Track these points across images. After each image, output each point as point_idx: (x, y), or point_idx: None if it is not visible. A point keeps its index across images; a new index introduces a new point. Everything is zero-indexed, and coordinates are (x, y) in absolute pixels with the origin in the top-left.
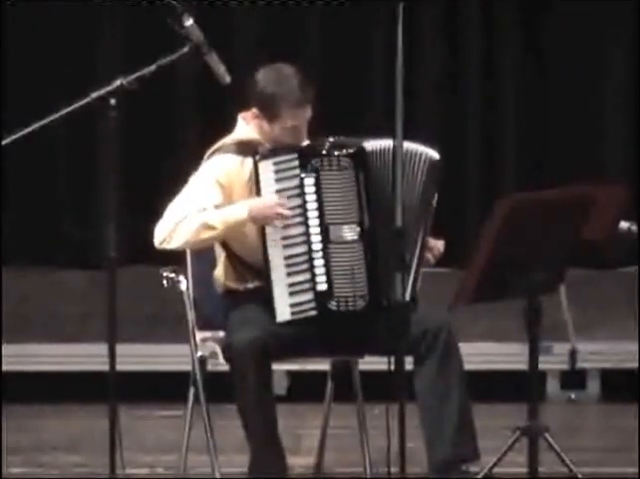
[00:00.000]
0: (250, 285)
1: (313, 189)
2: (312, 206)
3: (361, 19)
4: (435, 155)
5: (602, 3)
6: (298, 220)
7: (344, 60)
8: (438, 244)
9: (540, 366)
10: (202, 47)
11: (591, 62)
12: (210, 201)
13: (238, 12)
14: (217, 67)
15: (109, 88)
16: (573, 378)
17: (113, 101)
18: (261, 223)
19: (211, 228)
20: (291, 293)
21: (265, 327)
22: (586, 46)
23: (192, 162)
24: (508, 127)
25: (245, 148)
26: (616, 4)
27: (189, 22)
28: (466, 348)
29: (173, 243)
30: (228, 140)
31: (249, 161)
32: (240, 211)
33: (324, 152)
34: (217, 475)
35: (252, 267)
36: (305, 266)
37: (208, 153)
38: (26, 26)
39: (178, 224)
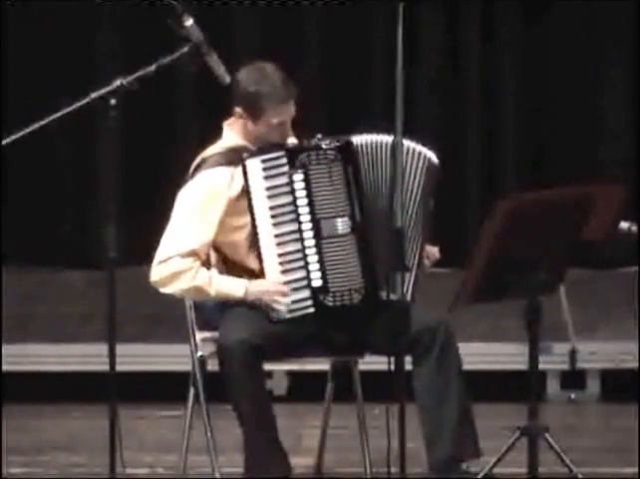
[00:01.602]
0: None
1: (302, 184)
2: (302, 202)
3: (361, 19)
4: (433, 157)
5: (603, 3)
6: (290, 217)
7: (344, 60)
8: (433, 251)
9: (540, 366)
10: (202, 47)
11: (592, 62)
12: (207, 234)
13: (238, 12)
14: (217, 67)
15: (109, 88)
16: (573, 378)
17: (113, 101)
18: (255, 300)
19: (202, 292)
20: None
21: (257, 328)
22: (587, 46)
23: (192, 162)
24: (508, 126)
25: (232, 156)
26: (616, 4)
27: (189, 22)
28: (466, 348)
29: (166, 290)
30: (215, 149)
31: (239, 176)
32: (238, 288)
33: (311, 147)
34: (217, 475)
35: (247, 270)
36: (300, 264)
37: (194, 165)
38: (26, 26)
39: (176, 274)
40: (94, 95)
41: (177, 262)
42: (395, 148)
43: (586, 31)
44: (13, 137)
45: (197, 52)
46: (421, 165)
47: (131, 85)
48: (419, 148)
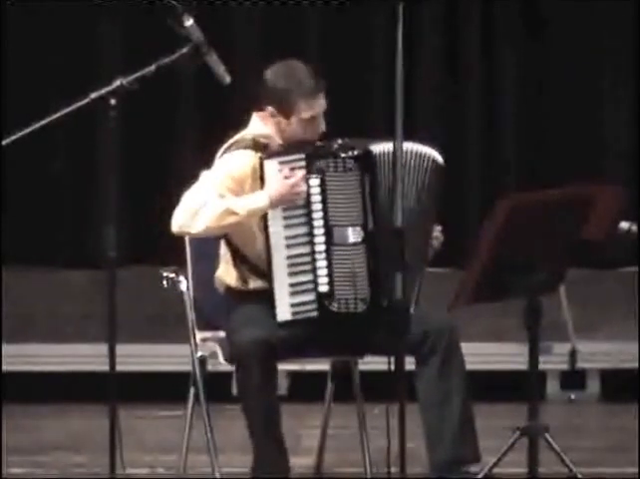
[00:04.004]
0: (253, 286)
1: (318, 189)
2: (316, 207)
3: (361, 19)
4: (438, 157)
5: (603, 3)
6: (302, 220)
7: (344, 60)
8: (437, 233)
9: (540, 366)
10: (202, 47)
11: (593, 61)
12: (226, 191)
13: (238, 12)
14: (217, 67)
15: (109, 88)
16: (573, 378)
17: (113, 101)
18: (282, 205)
19: (234, 213)
20: (292, 293)
21: (269, 328)
22: (587, 46)
23: (192, 161)
24: (509, 127)
25: (260, 144)
26: (616, 4)
27: (189, 22)
28: (466, 348)
29: (194, 228)
30: (244, 136)
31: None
32: (262, 199)
33: (331, 154)
34: (217, 475)
35: (256, 267)
36: (307, 267)
37: (224, 147)
38: (26, 26)
39: (200, 209)
40: (94, 95)
41: (192, 203)
42: (395, 148)
43: (587, 31)
44: (13, 137)
45: (197, 52)
46: (425, 166)
47: (131, 85)
48: (423, 149)
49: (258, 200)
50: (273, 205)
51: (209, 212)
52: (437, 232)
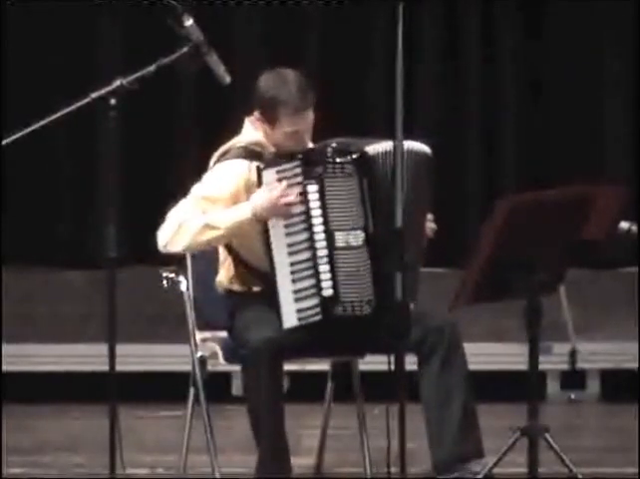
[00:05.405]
0: (255, 290)
1: (317, 196)
2: (316, 212)
3: (361, 19)
4: (423, 148)
5: (603, 3)
6: (303, 226)
7: (344, 60)
8: (431, 225)
9: (540, 366)
10: (202, 47)
11: (592, 61)
12: (214, 203)
13: (238, 12)
14: (217, 67)
15: (109, 88)
16: (573, 378)
17: (113, 101)
18: (267, 219)
19: (214, 228)
20: (297, 299)
21: (277, 329)
22: (586, 46)
23: (192, 161)
24: (508, 127)
25: (252, 152)
26: (616, 4)
27: (189, 22)
28: (466, 348)
29: (177, 246)
30: (236, 143)
31: (254, 172)
32: (243, 210)
33: (327, 159)
34: (217, 475)
35: (258, 273)
36: (310, 272)
37: (216, 155)
38: (26, 26)
39: (181, 226)
40: (94, 95)
41: (173, 220)
42: (395, 148)
43: (587, 30)
44: (13, 137)
45: (197, 52)
46: (416, 160)
47: (131, 85)
48: (411, 144)
49: (240, 212)
50: (257, 217)
51: (189, 228)
52: (429, 221)
